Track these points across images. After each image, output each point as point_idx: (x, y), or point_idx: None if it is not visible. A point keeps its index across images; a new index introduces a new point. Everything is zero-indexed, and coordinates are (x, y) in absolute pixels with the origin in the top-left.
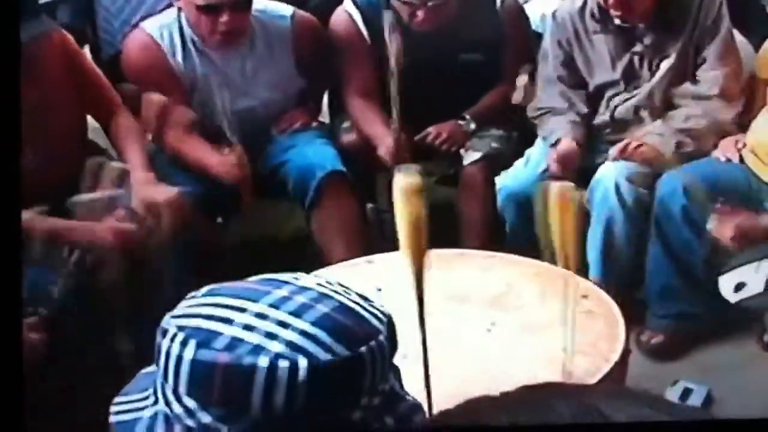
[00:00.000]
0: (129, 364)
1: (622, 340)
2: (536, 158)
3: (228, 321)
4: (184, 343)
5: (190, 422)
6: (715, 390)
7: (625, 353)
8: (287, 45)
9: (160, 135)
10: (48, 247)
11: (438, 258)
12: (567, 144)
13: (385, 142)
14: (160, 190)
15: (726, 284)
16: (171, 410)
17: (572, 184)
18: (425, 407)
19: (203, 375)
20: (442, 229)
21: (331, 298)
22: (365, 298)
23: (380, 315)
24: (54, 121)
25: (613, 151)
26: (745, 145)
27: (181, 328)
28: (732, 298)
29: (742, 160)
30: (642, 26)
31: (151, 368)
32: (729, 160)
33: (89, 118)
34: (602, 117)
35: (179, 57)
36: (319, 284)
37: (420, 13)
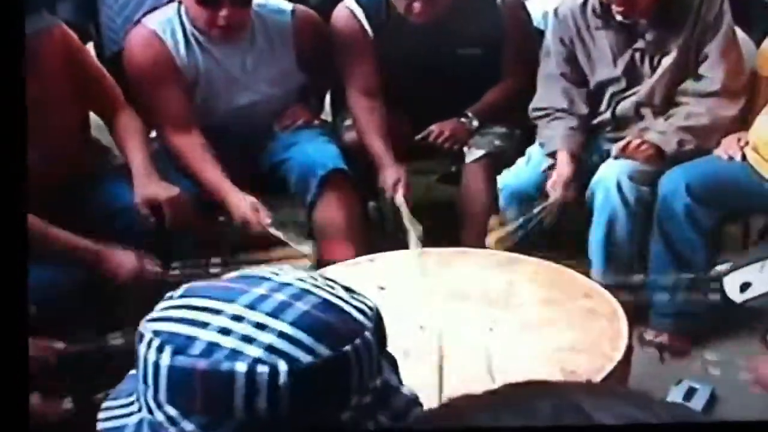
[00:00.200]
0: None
1: (625, 338)
2: (538, 157)
3: (204, 325)
4: (160, 350)
5: (173, 430)
6: (719, 389)
7: (628, 352)
8: (288, 40)
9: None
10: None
11: (439, 256)
12: (561, 170)
13: (384, 172)
14: (162, 187)
15: (731, 284)
16: (153, 417)
17: None
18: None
19: (182, 382)
20: (444, 227)
21: (312, 293)
22: (350, 291)
23: (365, 308)
24: (56, 117)
25: (615, 149)
26: (747, 142)
27: (156, 333)
28: (737, 298)
29: (744, 157)
30: (643, 22)
31: (135, 371)
32: (731, 158)
33: (93, 115)
34: (603, 115)
35: (182, 52)
36: (300, 279)
37: (417, 5)
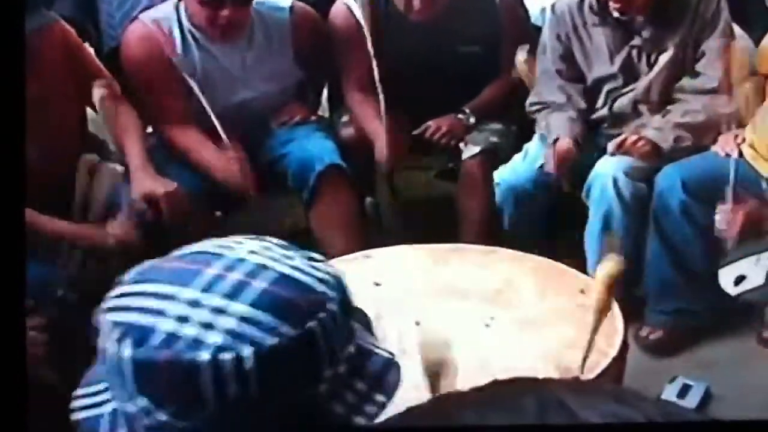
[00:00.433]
0: None
1: (621, 335)
2: (534, 152)
3: (161, 313)
4: (119, 341)
5: (147, 421)
6: (714, 386)
7: (624, 349)
8: (286, 37)
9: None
10: (52, 246)
11: (436, 253)
12: (565, 143)
13: (379, 141)
14: (159, 182)
15: (726, 277)
16: (126, 409)
17: None
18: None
19: (146, 374)
20: (441, 223)
21: (269, 268)
22: (310, 258)
23: (327, 277)
24: (54, 113)
25: (612, 145)
26: (744, 139)
27: (115, 325)
28: (732, 290)
29: (741, 154)
30: (640, 19)
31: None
32: (728, 155)
33: (89, 111)
34: (600, 111)
35: (179, 48)
36: (254, 252)
37: (416, 2)
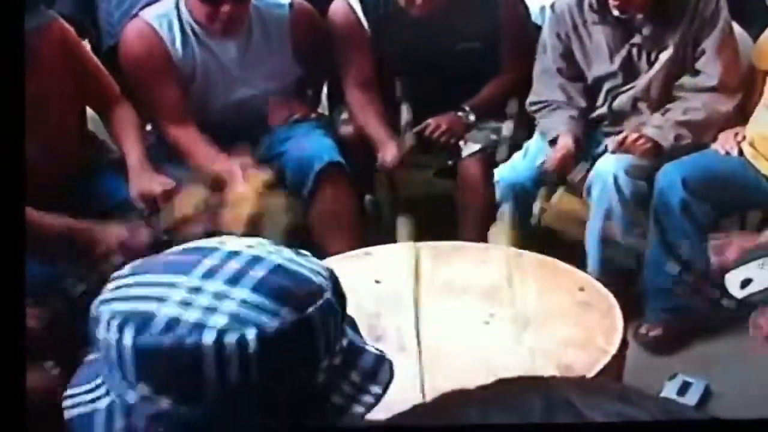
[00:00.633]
0: None
1: (620, 332)
2: (534, 150)
3: (161, 299)
4: (120, 330)
5: (149, 410)
6: (714, 383)
7: (623, 346)
8: (285, 34)
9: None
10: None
11: (436, 250)
12: (566, 142)
13: (384, 150)
14: (157, 181)
15: (732, 280)
16: (126, 400)
17: None
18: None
19: (148, 360)
20: (441, 221)
21: (265, 259)
22: (299, 254)
23: (321, 270)
24: (53, 111)
25: (612, 143)
26: (744, 137)
27: (114, 314)
28: (738, 294)
29: (741, 152)
30: (640, 18)
31: (94, 355)
32: (728, 153)
33: (88, 109)
34: (600, 109)
35: (179, 46)
36: (249, 246)
37: None
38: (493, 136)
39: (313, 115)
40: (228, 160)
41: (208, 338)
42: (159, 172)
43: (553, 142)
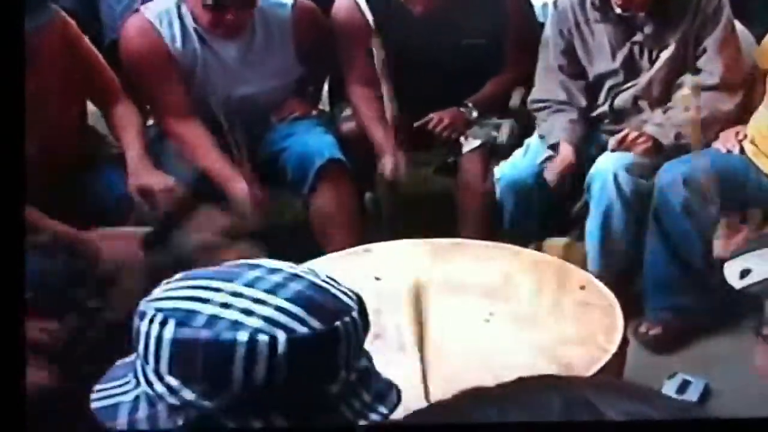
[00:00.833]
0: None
1: (620, 331)
2: (535, 148)
3: (205, 300)
4: (163, 324)
5: (172, 400)
6: (713, 382)
7: (623, 344)
8: (287, 33)
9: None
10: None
11: (436, 248)
12: (566, 154)
13: (385, 157)
14: (155, 177)
15: (731, 270)
16: (153, 390)
17: None
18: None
19: (184, 352)
20: (440, 218)
21: (303, 277)
22: (333, 280)
23: (350, 293)
24: (54, 106)
25: (612, 141)
26: (745, 136)
27: (159, 310)
28: (737, 284)
29: (742, 151)
30: (642, 16)
31: (128, 358)
32: (729, 152)
33: (89, 103)
34: (601, 107)
35: (178, 43)
36: (290, 266)
37: None
38: (495, 133)
39: (314, 112)
40: (234, 174)
41: (243, 336)
42: (159, 168)
43: (552, 147)
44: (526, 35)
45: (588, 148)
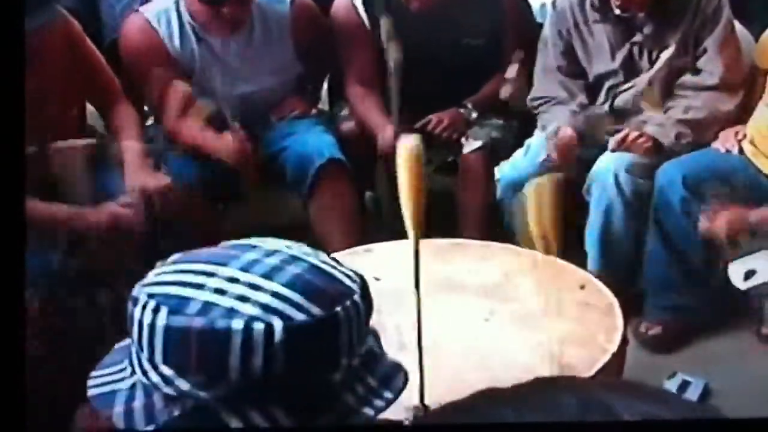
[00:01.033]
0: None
1: (620, 331)
2: (536, 148)
3: (199, 286)
4: (155, 311)
5: (168, 390)
6: (713, 382)
7: (623, 344)
8: (286, 31)
9: (170, 121)
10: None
11: (436, 247)
12: (567, 132)
13: (383, 132)
14: (152, 177)
15: (736, 272)
16: (148, 379)
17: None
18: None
19: (178, 341)
20: (441, 218)
21: (302, 259)
22: (336, 260)
23: (353, 275)
24: (54, 105)
25: (612, 141)
26: (745, 136)
27: (151, 296)
28: (742, 285)
29: (742, 151)
30: (641, 16)
31: (126, 342)
32: (729, 151)
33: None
34: (601, 107)
35: (177, 42)
36: (288, 246)
37: None
38: (494, 133)
39: (314, 111)
40: (214, 135)
41: (238, 324)
42: (157, 168)
43: (554, 133)
44: (523, 35)
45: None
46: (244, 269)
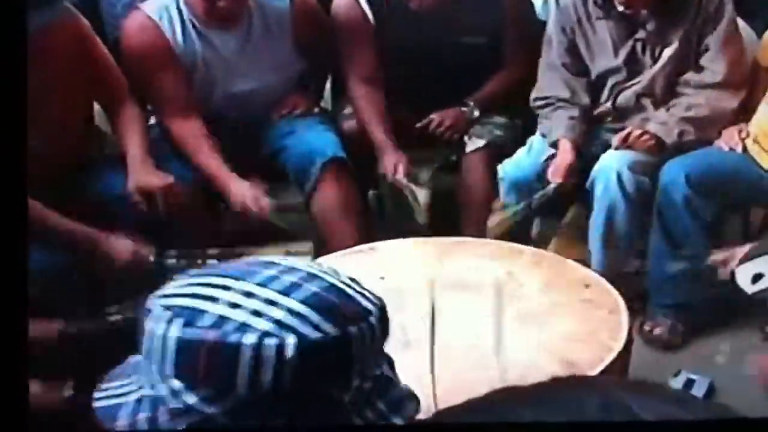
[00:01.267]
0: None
1: (625, 329)
2: (539, 146)
3: (213, 299)
4: (169, 322)
5: (174, 404)
6: (718, 380)
7: (628, 343)
8: (286, 27)
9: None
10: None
11: (438, 246)
12: (565, 154)
13: (388, 159)
14: (155, 176)
15: (743, 275)
16: (156, 392)
17: None
18: (430, 392)
19: (189, 353)
20: (443, 216)
21: (320, 278)
22: (356, 282)
23: (373, 298)
24: (61, 105)
25: (615, 139)
26: (748, 134)
27: (166, 308)
28: (749, 289)
29: (744, 148)
30: (644, 13)
31: (137, 357)
32: (732, 149)
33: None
34: (604, 105)
35: (179, 38)
36: (308, 265)
37: None
38: (498, 132)
39: (316, 110)
40: (234, 177)
41: (250, 338)
42: (161, 167)
43: (553, 145)
44: (526, 33)
45: (591, 147)
46: (262, 284)
